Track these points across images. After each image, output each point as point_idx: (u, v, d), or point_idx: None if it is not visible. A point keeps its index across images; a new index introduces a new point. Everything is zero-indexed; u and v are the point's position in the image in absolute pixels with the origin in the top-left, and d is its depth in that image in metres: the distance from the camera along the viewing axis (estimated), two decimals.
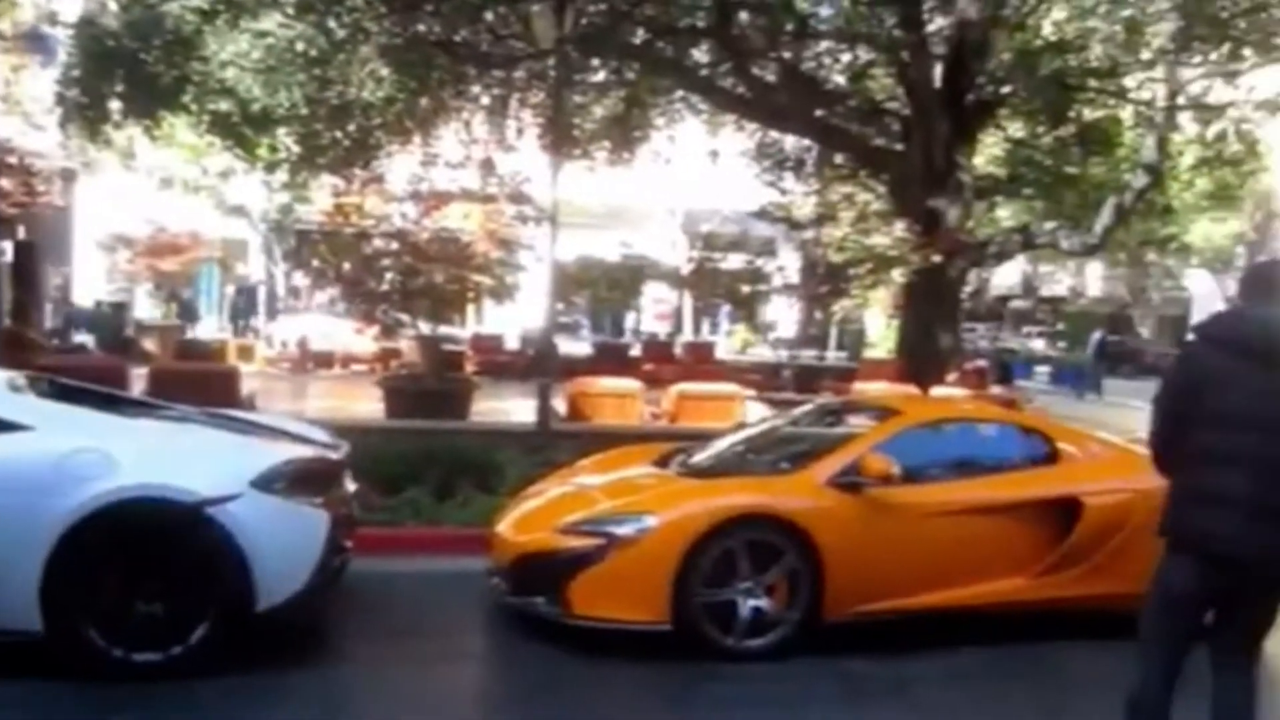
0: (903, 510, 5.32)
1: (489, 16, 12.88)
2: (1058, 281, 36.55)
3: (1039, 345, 32.47)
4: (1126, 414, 20.28)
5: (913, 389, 10.17)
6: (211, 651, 4.41)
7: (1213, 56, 12.43)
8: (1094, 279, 35.52)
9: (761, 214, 15.20)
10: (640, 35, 13.08)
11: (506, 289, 12.29)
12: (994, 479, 5.68)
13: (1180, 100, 12.51)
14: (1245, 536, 3.28)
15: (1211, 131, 14.21)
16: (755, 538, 5.07)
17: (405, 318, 12.26)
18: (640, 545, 4.99)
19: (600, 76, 14.36)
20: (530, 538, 5.39)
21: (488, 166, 14.03)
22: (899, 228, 12.10)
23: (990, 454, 5.94)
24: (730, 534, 5.02)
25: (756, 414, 9.77)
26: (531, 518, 5.63)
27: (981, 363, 17.12)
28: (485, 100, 15.34)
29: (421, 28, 12.94)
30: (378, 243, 11.75)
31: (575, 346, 21.42)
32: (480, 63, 13.43)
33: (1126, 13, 10.06)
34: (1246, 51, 12.22)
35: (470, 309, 20.42)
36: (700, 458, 6.14)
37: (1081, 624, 5.41)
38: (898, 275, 12.33)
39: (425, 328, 12.46)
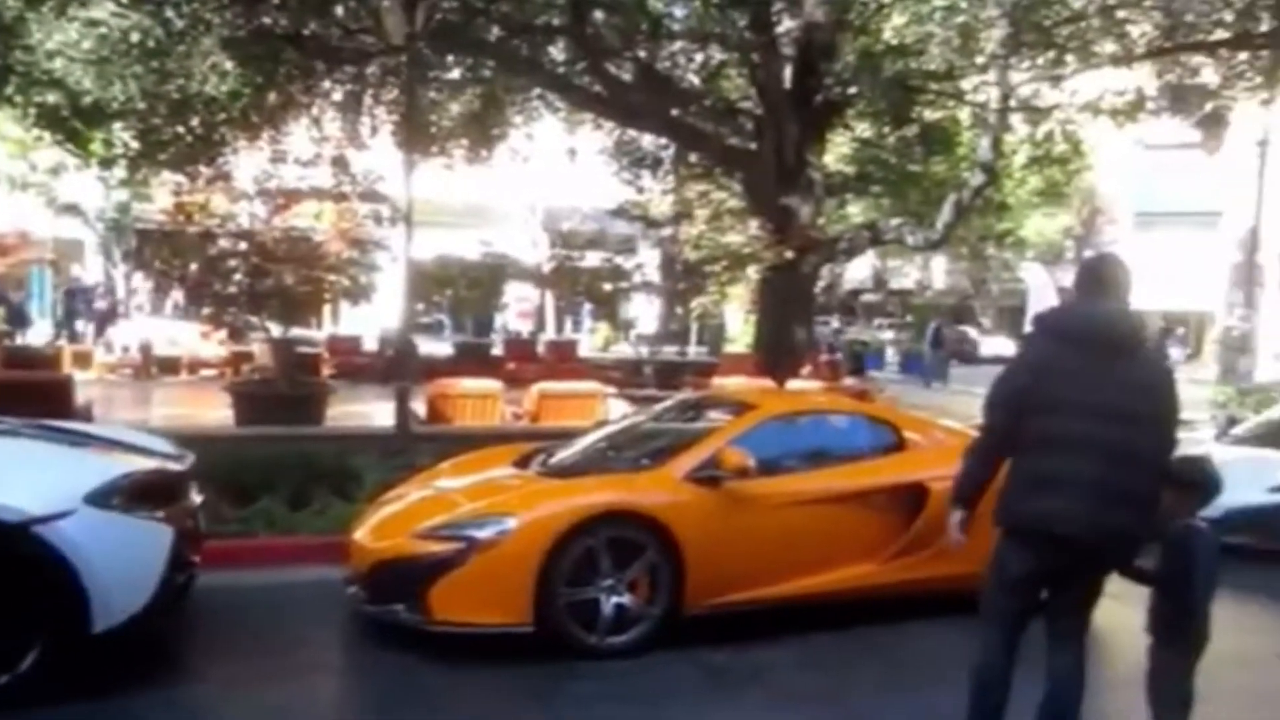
0: (759, 502, 5.45)
1: (338, 11, 12.53)
2: (906, 275, 38.02)
3: (889, 336, 33.77)
4: (970, 400, 21.31)
5: (769, 382, 10.41)
6: (46, 678, 4.15)
7: (1039, 62, 13.16)
8: (939, 272, 37.12)
9: (619, 212, 15.31)
10: (495, 33, 12.95)
11: (361, 290, 11.99)
12: (845, 468, 5.87)
13: (1012, 102, 13.16)
14: (1087, 518, 3.47)
15: (1040, 132, 15.01)
16: (616, 535, 5.10)
17: (254, 320, 11.80)
18: (501, 547, 4.95)
19: (455, 74, 14.15)
20: (389, 544, 5.28)
21: (340, 164, 13.65)
22: (753, 226, 12.37)
23: (841, 444, 6.14)
24: (591, 532, 5.04)
25: (618, 411, 9.83)
26: (390, 524, 5.52)
27: (835, 355, 17.68)
28: (337, 96, 14.91)
29: (267, 20, 12.48)
30: (223, 243, 11.27)
31: (436, 347, 21.10)
32: (330, 58, 13.05)
33: (960, 19, 10.55)
34: (1069, 58, 12.99)
35: (327, 310, 19.84)
36: (561, 457, 6.14)
37: (931, 605, 5.64)
38: (753, 272, 12.61)
39: (276, 330, 12.03)
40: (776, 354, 12.78)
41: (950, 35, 10.89)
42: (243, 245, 11.16)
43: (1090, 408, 3.46)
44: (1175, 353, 33.99)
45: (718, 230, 13.07)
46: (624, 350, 24.29)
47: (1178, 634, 3.92)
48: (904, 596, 5.72)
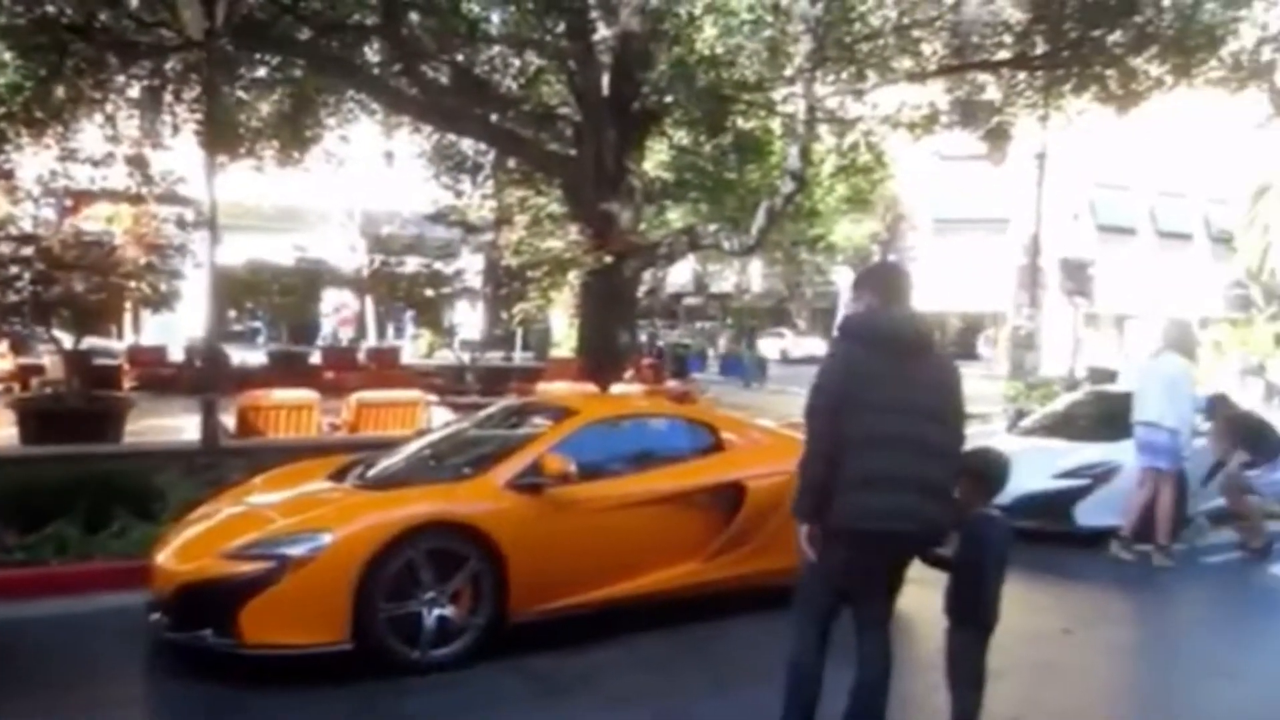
0: (582, 507, 5.45)
1: (132, 1, 11.77)
2: (725, 279, 39.03)
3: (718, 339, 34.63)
4: (787, 399, 22.08)
5: (593, 387, 10.45)
6: None
7: (843, 76, 13.77)
8: (757, 276, 38.29)
9: (438, 217, 15.02)
10: (306, 31, 12.47)
11: (162, 297, 11.28)
12: (665, 470, 5.95)
13: (818, 114, 13.70)
14: (913, 512, 3.67)
15: (846, 143, 15.72)
16: (437, 546, 5.00)
17: (42, 331, 10.92)
18: (316, 564, 4.76)
19: (262, 72, 13.54)
20: (195, 566, 4.99)
21: (138, 164, 12.81)
22: (573, 231, 12.39)
23: (662, 447, 6.22)
24: (411, 544, 4.91)
25: (441, 419, 9.64)
26: (196, 544, 5.21)
27: (658, 358, 17.95)
28: (133, 92, 14.00)
29: (51, 9, 11.58)
30: (3, 248, 10.38)
31: (250, 356, 20.14)
32: (124, 51, 12.24)
33: (767, 33, 10.91)
34: (870, 73, 13.66)
35: (128, 320, 18.59)
36: (380, 468, 5.96)
37: (754, 600, 5.79)
38: (574, 277, 12.63)
39: (68, 341, 11.17)
40: (600, 358, 12.86)
41: (758, 48, 11.25)
42: (27, 250, 10.30)
43: (901, 407, 3.68)
44: (986, 352, 36.34)
45: (538, 235, 13.02)
46: (449, 357, 23.94)
47: (973, 616, 4.17)
48: (727, 593, 5.85)
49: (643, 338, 31.49)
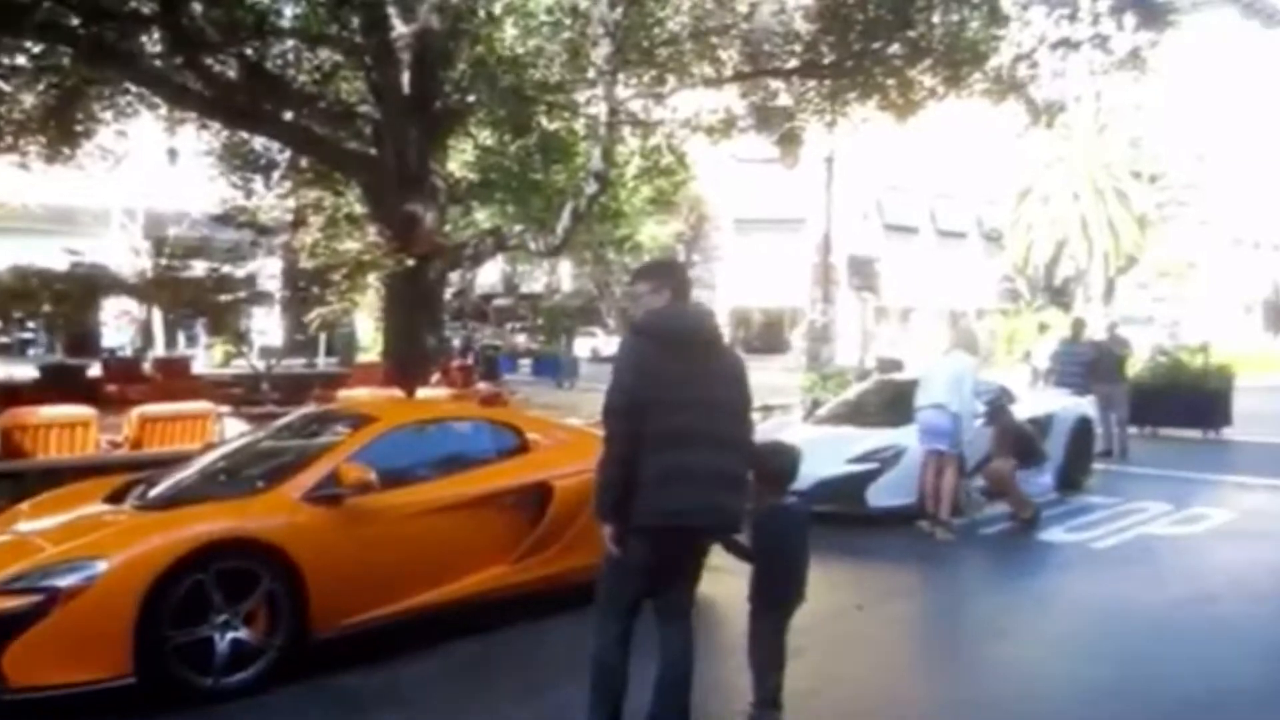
0: (385, 515, 5.28)
1: None
2: (535, 279, 38.98)
3: (521, 339, 34.45)
4: (597, 397, 22.26)
5: (398, 391, 10.17)
6: None
7: (644, 79, 13.98)
8: (567, 276, 38.41)
9: (225, 219, 14.19)
10: (74, 17, 11.51)
11: None
12: (470, 474, 5.85)
13: (620, 116, 13.84)
14: (712, 505, 3.73)
15: (648, 145, 15.95)
16: (228, 566, 4.72)
17: None
18: (90, 594, 4.40)
19: (23, 61, 12.42)
20: None
21: None
22: (371, 232, 12.01)
23: (465, 450, 6.11)
24: (199, 566, 4.62)
25: (235, 431, 9.13)
26: None
27: (467, 360, 17.68)
28: None
29: None
30: None
31: (20, 370, 18.49)
32: None
33: (566, 35, 10.92)
34: (669, 77, 13.93)
35: None
36: (163, 487, 5.57)
37: (568, 600, 5.77)
38: (373, 279, 12.25)
39: None
40: (405, 362, 12.52)
41: (558, 50, 11.25)
42: None
43: (696, 402, 3.72)
44: (800, 344, 37.77)
45: (335, 237, 12.53)
46: (249, 365, 22.75)
47: (773, 601, 4.31)
48: (539, 593, 5.81)
49: (456, 340, 31.07)
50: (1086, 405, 11.41)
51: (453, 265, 14.12)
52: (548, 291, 35.91)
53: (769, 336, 38.51)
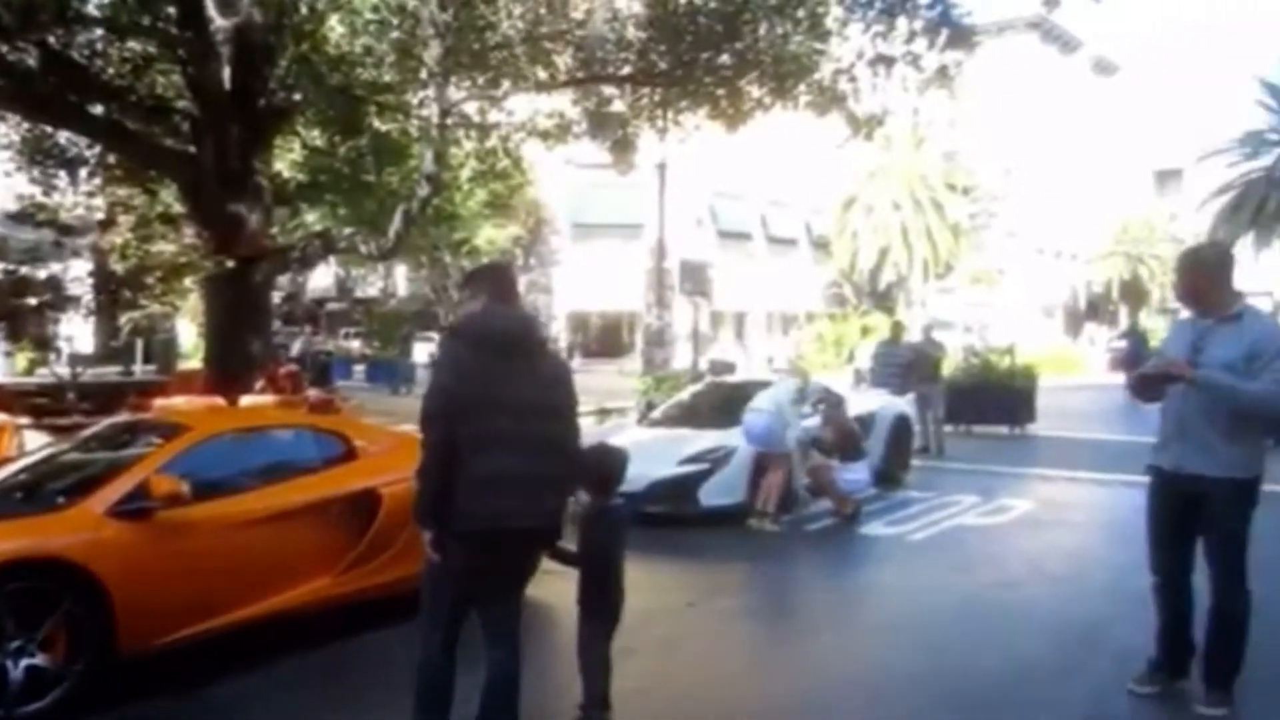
0: (201, 528, 5.05)
1: None
2: (370, 284, 37.97)
3: (356, 345, 33.48)
4: None
5: (218, 400, 9.68)
6: None
7: (479, 82, 13.82)
8: (403, 280, 37.60)
9: (22, 216, 13.16)
10: None
11: None
12: (293, 483, 5.66)
13: (453, 119, 13.64)
14: (532, 509, 3.71)
15: (484, 148, 15.78)
16: (22, 587, 4.40)
17: None
18: None
19: None
20: None
21: None
22: (188, 233, 11.40)
23: (288, 459, 5.90)
24: None
25: (36, 444, 8.51)
26: None
27: (294, 366, 17.04)
28: None
29: None
30: None
31: None
32: None
33: (395, 35, 10.68)
34: (504, 80, 13.82)
35: None
36: None
37: (394, 607, 5.65)
38: (190, 283, 11.63)
39: None
40: (228, 369, 11.93)
41: (387, 50, 11.00)
42: None
43: (515, 406, 3.68)
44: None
45: (147, 238, 11.81)
46: (59, 373, 21.22)
47: (600, 605, 4.35)
48: (369, 602, 5.66)
49: (295, 346, 29.88)
50: (904, 404, 12.03)
51: (280, 268, 13.51)
52: (383, 296, 35.06)
53: (608, 340, 38.83)
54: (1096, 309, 57.67)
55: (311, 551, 5.51)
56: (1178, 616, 4.71)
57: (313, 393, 13.90)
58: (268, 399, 10.90)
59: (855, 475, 9.37)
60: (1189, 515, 4.55)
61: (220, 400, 10.06)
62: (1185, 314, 4.82)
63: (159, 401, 10.84)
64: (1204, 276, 4.58)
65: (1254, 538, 4.50)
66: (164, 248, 11.13)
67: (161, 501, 4.84)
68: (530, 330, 3.97)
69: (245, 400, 10.35)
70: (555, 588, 4.81)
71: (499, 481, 3.62)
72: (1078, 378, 28.84)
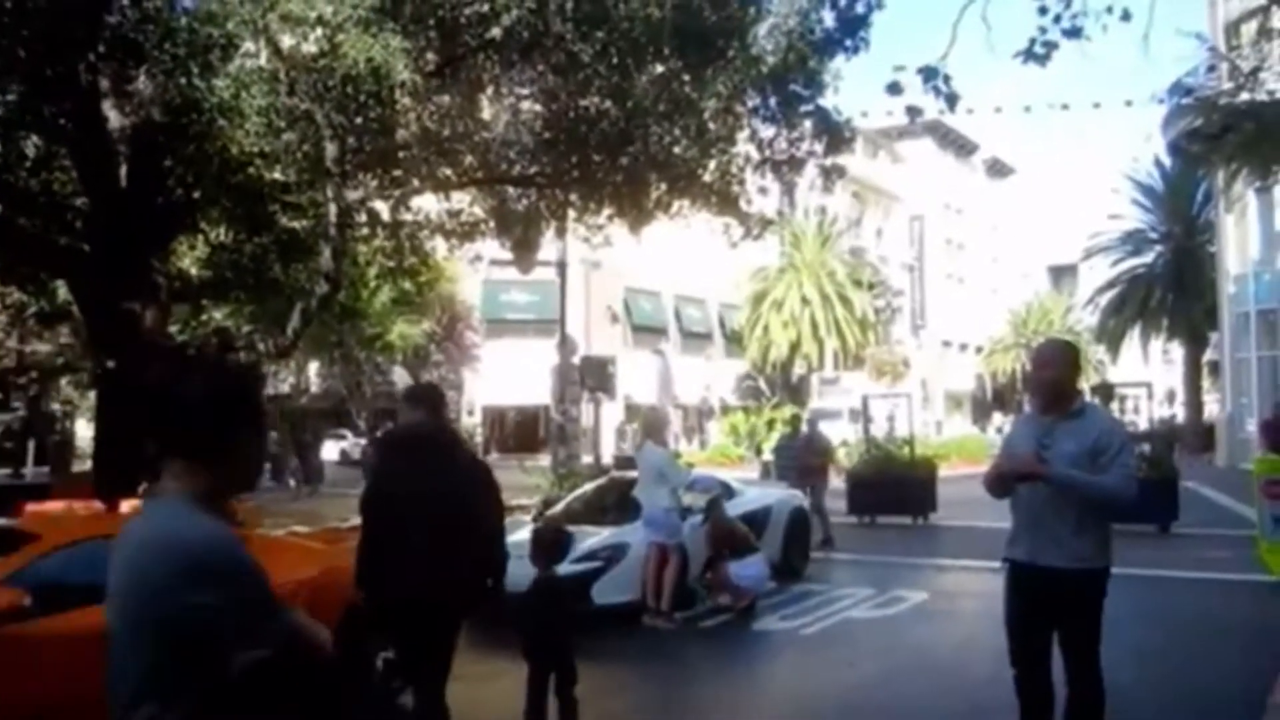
0: (47, 644, 4.78)
1: None
2: (282, 380, 37.17)
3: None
4: (342, 503, 21.31)
5: (97, 505, 9.29)
6: None
7: (384, 180, 13.89)
8: (315, 376, 36.97)
9: None
10: None
11: None
12: None
13: (357, 216, 13.66)
14: (430, 582, 4.47)
15: (390, 246, 15.78)
16: None
17: None
18: None
19: None
20: None
21: None
22: (64, 332, 11.10)
23: None
24: None
25: None
26: None
27: None
28: None
29: None
30: None
31: None
32: None
33: (289, 136, 10.71)
34: (411, 179, 13.93)
35: None
36: None
37: None
38: (65, 383, 11.29)
39: None
40: (118, 471, 11.52)
41: (281, 150, 11.00)
42: None
43: (421, 497, 4.53)
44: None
45: (20, 338, 11.45)
46: None
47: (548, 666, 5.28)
48: None
49: None
50: (801, 497, 12.10)
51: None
52: (295, 392, 34.32)
53: (523, 435, 38.54)
54: (1002, 398, 59.42)
55: None
56: (1039, 705, 4.76)
57: None
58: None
59: (750, 570, 9.35)
60: (1044, 606, 4.62)
61: (98, 505, 9.69)
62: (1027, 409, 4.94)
63: (31, 507, 10.38)
64: (1072, 371, 4.72)
65: (1106, 622, 4.59)
66: (39, 347, 10.77)
67: (1, 615, 4.59)
68: (433, 435, 4.81)
69: (129, 505, 9.99)
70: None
71: (401, 560, 4.49)
72: (984, 466, 29.50)
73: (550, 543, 5.56)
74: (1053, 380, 4.66)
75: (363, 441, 25.63)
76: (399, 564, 4.46)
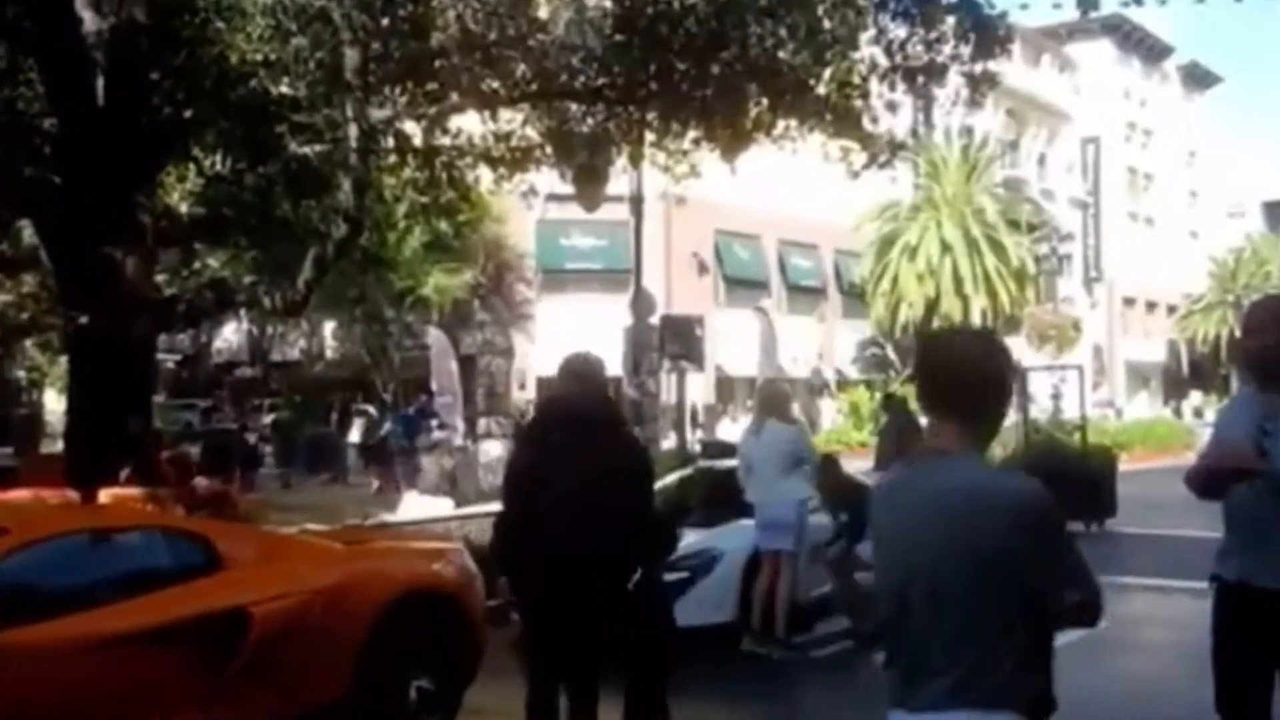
0: (10, 660, 4.94)
1: None
2: (291, 344, 37.98)
3: (270, 420, 33.33)
4: (364, 494, 21.77)
5: (71, 493, 9.61)
6: None
7: (418, 96, 13.96)
8: (331, 339, 37.62)
9: None
10: None
11: None
12: (138, 600, 5.56)
13: (382, 142, 13.76)
14: (563, 586, 5.22)
15: (423, 177, 15.89)
16: None
17: None
18: None
19: None
20: None
21: None
22: (29, 282, 11.41)
23: (134, 569, 5.85)
24: None
25: None
26: None
27: (181, 448, 16.96)
28: None
29: None
30: None
31: None
32: None
33: (299, 41, 10.78)
34: (453, 95, 13.96)
35: None
36: None
37: None
38: (31, 345, 11.65)
39: None
40: (96, 450, 11.89)
41: (291, 58, 11.10)
42: None
43: (575, 477, 5.06)
44: None
45: None
46: None
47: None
48: None
49: (193, 420, 29.69)
50: None
51: (163, 325, 13.58)
52: (306, 359, 35.06)
53: None
54: (1202, 372, 57.80)
55: (161, 684, 5.43)
56: None
57: (202, 483, 13.85)
58: (134, 492, 10.86)
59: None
60: (1263, 639, 4.46)
61: (73, 494, 10.03)
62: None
63: (10, 494, 10.77)
64: None
65: None
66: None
67: None
68: (600, 411, 5.44)
69: (106, 494, 10.31)
70: None
71: (539, 558, 5.08)
72: (1179, 458, 28.79)
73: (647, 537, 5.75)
74: (1266, 349, 4.47)
75: (389, 424, 25.95)
76: (540, 551, 5.05)
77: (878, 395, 36.93)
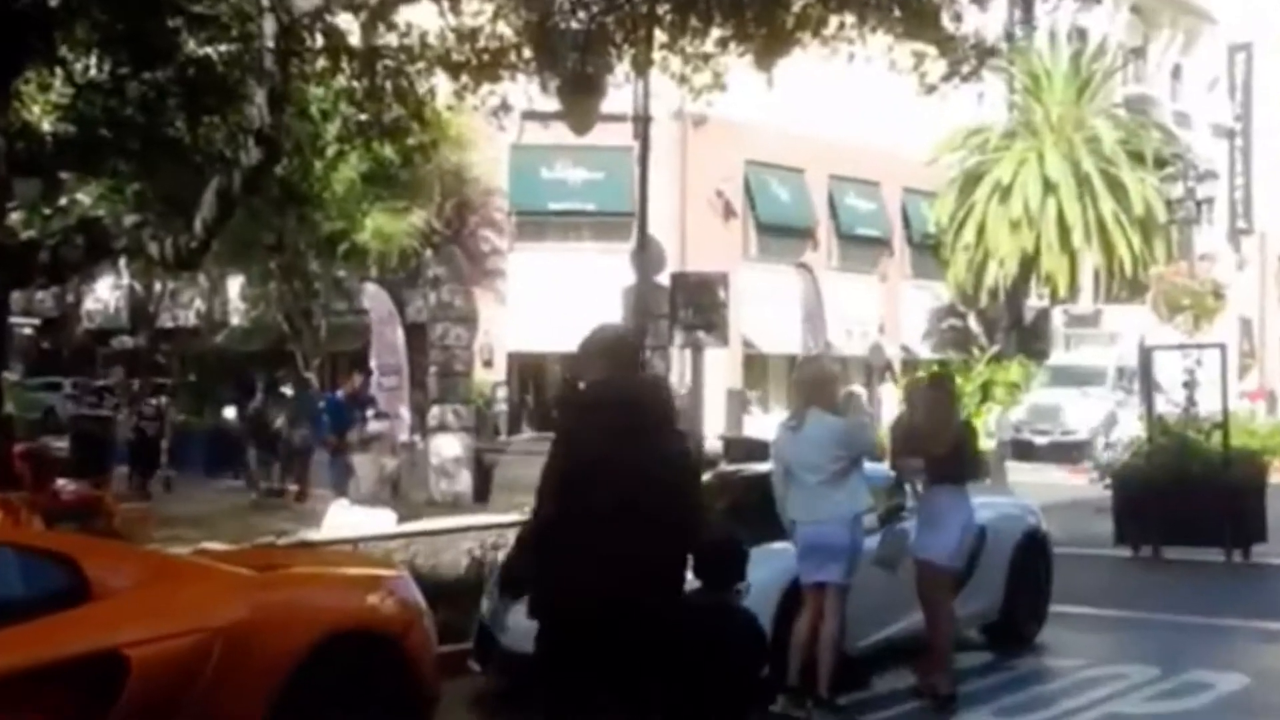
0: None
1: None
2: (185, 306, 38.06)
3: (160, 404, 33.40)
4: (279, 503, 21.79)
5: None
6: None
7: None
8: (237, 300, 37.68)
9: None
10: None
11: None
12: None
13: (317, 41, 13.75)
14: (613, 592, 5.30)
15: (362, 87, 15.86)
16: None
17: None
18: None
19: None
20: None
21: None
22: None
23: None
24: None
25: None
26: None
27: (37, 442, 17.03)
28: None
29: None
30: None
31: None
32: None
33: None
34: None
35: None
36: None
37: None
38: None
39: None
40: None
41: None
42: None
43: (626, 473, 5.30)
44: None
45: None
46: None
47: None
48: None
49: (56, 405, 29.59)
50: (1036, 512, 11.94)
51: (17, 280, 13.62)
52: (206, 326, 35.14)
53: None
54: None
55: None
56: None
57: (67, 486, 13.92)
58: None
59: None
60: None
61: None
62: None
63: None
64: None
65: None
66: None
67: None
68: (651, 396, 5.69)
69: None
70: None
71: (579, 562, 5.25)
72: None
73: (715, 557, 5.97)
74: None
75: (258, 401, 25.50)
76: (583, 556, 5.24)
77: (957, 379, 36.96)
